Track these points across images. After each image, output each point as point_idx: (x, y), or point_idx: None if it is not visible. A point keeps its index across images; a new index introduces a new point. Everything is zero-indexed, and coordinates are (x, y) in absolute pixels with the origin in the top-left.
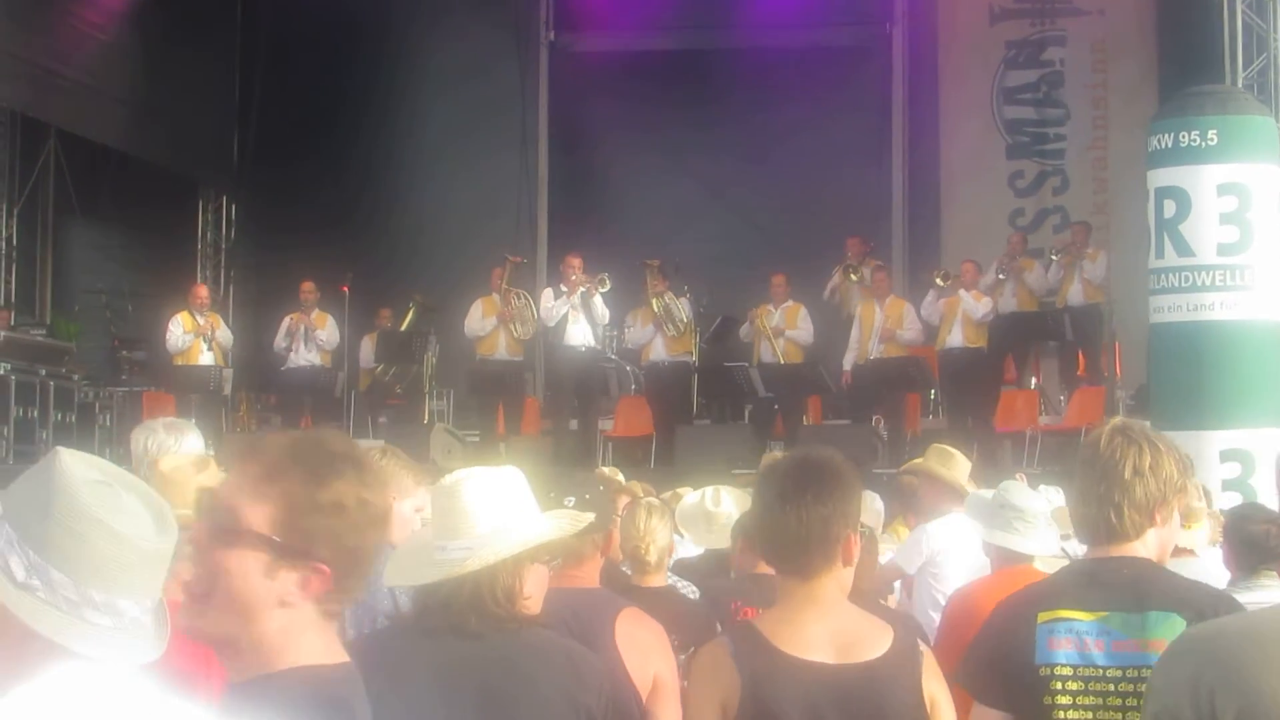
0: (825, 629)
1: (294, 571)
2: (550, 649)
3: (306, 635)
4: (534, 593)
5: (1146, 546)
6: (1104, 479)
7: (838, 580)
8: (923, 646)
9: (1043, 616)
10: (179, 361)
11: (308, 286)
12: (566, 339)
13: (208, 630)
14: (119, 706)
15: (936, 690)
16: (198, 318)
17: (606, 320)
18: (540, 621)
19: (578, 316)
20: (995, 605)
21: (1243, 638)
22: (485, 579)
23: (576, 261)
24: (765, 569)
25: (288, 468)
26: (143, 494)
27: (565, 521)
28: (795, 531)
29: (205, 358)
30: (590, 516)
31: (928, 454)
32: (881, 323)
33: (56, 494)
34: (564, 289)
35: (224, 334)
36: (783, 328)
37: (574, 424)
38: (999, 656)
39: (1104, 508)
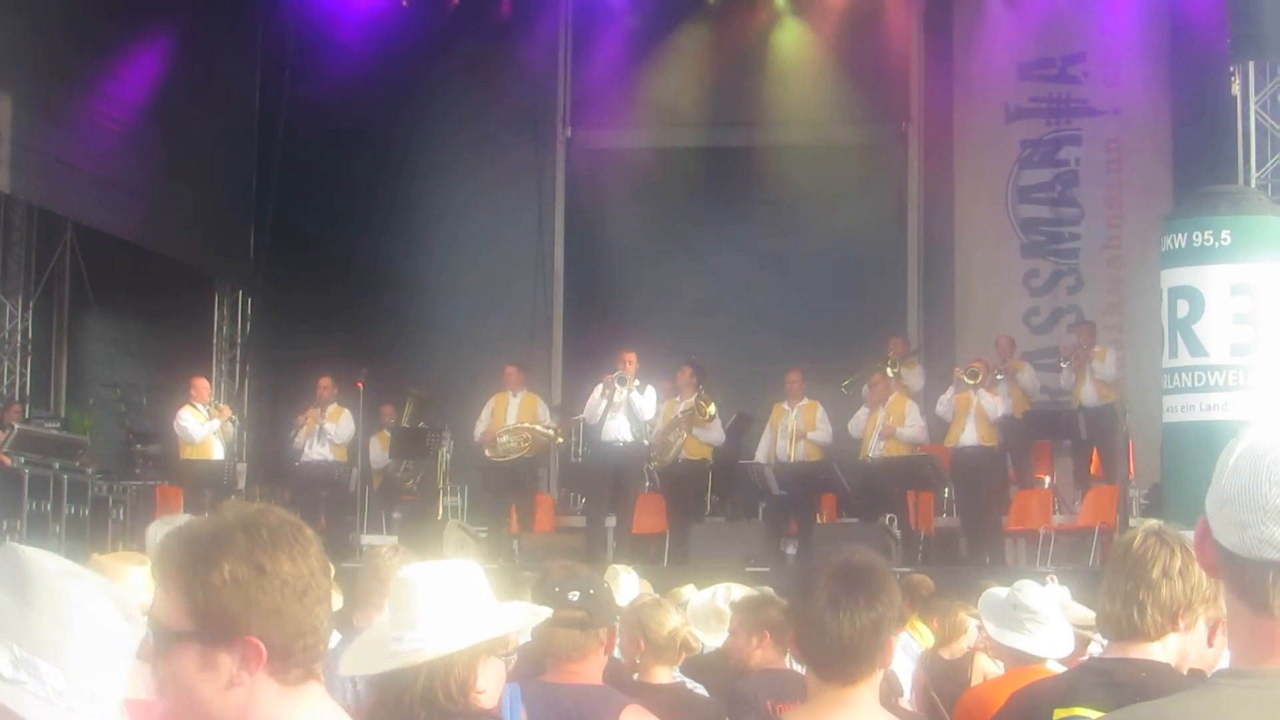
0: None
1: (229, 653)
2: None
3: (283, 710)
4: (489, 687)
5: (1166, 650)
6: (1131, 577)
7: (872, 684)
8: None
9: (1059, 714)
10: (190, 454)
11: (324, 383)
12: (603, 434)
13: None
14: None
15: None
16: (201, 409)
17: (648, 417)
18: (496, 715)
19: (617, 413)
20: (1008, 698)
21: None
22: (440, 672)
23: (631, 357)
24: (773, 662)
25: (178, 559)
26: (102, 584)
27: (522, 615)
28: (849, 639)
29: (217, 452)
30: (547, 611)
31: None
32: (883, 419)
33: (35, 587)
34: (615, 384)
35: (230, 426)
36: (803, 430)
37: (611, 520)
38: None
39: (1128, 605)
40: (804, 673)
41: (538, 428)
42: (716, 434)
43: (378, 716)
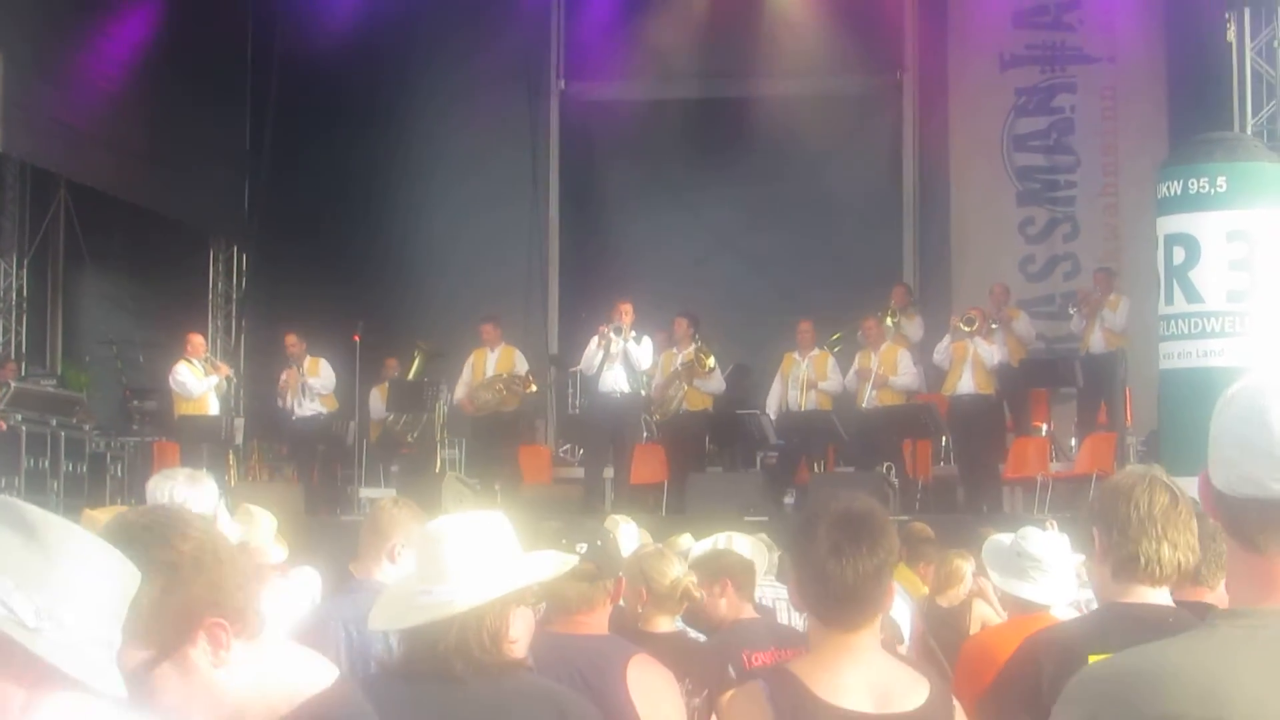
0: (863, 677)
1: (197, 646)
2: (537, 694)
3: (262, 663)
4: (520, 636)
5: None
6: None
7: (875, 629)
8: (955, 701)
9: (1094, 658)
10: (186, 409)
11: (291, 339)
12: (601, 385)
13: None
14: None
15: None
16: (198, 365)
17: (645, 367)
18: (528, 665)
19: (613, 363)
20: (1023, 644)
21: (1136, 676)
22: (472, 622)
23: (626, 307)
24: (745, 611)
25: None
26: (93, 536)
27: (551, 564)
28: (852, 585)
29: (213, 407)
30: (574, 558)
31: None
32: (876, 368)
33: (45, 537)
34: (611, 335)
35: (223, 384)
36: (814, 380)
37: (609, 471)
38: (1045, 695)
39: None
40: (805, 620)
41: (510, 378)
42: (717, 383)
43: (410, 667)
